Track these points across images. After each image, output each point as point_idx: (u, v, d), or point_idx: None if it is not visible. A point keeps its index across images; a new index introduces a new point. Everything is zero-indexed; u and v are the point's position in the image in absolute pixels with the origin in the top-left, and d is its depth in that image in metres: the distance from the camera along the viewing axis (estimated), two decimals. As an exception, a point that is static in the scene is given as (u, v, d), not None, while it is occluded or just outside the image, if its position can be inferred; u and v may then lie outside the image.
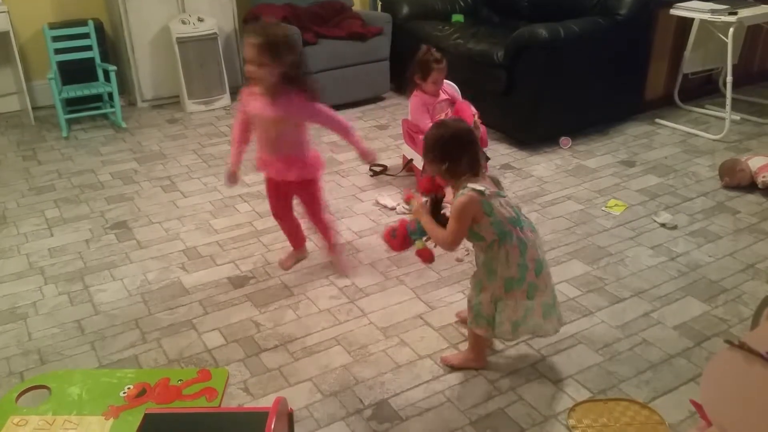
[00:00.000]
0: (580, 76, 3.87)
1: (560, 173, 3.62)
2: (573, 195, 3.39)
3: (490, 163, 3.59)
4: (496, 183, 2.08)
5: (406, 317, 2.52)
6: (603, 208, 3.25)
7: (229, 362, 2.28)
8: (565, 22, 3.74)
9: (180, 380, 1.58)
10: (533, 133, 3.94)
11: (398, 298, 2.64)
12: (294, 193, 2.67)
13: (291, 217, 2.78)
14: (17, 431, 1.39)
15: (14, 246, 2.99)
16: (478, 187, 1.95)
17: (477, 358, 2.26)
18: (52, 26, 4.25)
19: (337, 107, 4.56)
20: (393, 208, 3.29)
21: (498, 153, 3.84)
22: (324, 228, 2.76)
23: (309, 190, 2.64)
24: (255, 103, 2.41)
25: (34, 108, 4.39)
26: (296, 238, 2.85)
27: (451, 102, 3.42)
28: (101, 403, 1.52)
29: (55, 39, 4.20)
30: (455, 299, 2.61)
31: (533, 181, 3.54)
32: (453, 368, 2.26)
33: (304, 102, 2.40)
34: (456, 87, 3.50)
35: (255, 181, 3.59)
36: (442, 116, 3.39)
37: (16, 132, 4.26)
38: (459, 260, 2.87)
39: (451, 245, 2.07)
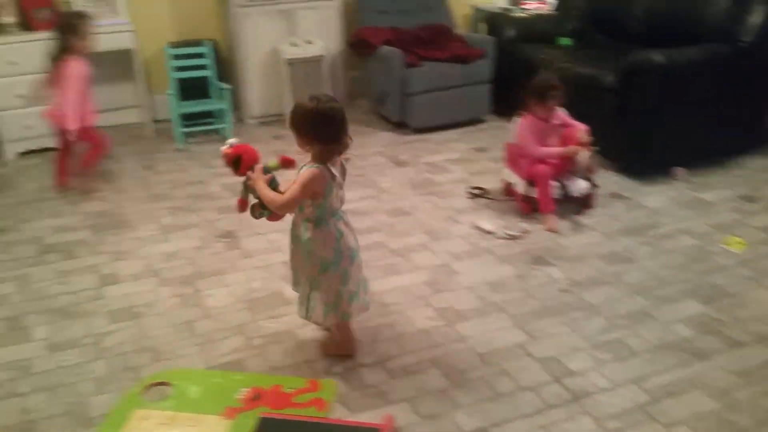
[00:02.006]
0: (697, 104, 3.69)
1: (674, 205, 3.46)
2: (688, 229, 3.22)
3: (598, 191, 3.47)
4: (343, 172, 2.21)
5: (506, 345, 2.45)
6: (721, 245, 3.07)
7: (327, 374, 2.29)
8: (681, 47, 3.59)
9: (291, 388, 1.59)
10: (645, 162, 3.78)
11: (497, 324, 2.58)
12: None
13: None
14: (141, 425, 1.44)
15: (133, 249, 3.16)
16: (333, 170, 2.09)
17: (343, 343, 2.39)
18: (173, 45, 4.51)
19: (436, 128, 4.62)
20: (492, 232, 3.24)
21: (607, 181, 3.69)
22: None
23: None
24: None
25: (153, 121, 4.66)
26: None
27: (562, 126, 3.36)
28: (218, 404, 1.56)
29: (175, 57, 4.45)
30: (559, 331, 2.52)
31: (645, 212, 3.39)
32: (327, 355, 2.37)
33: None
34: (564, 112, 3.43)
35: (353, 198, 3.63)
36: (552, 141, 3.34)
37: (137, 143, 4.52)
38: (563, 291, 2.78)
39: (284, 208, 2.14)
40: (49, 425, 2.12)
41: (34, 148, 4.29)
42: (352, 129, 4.78)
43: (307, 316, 2.29)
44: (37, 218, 3.46)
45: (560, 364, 2.34)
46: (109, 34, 4.25)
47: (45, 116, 3.64)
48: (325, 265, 2.20)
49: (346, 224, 2.25)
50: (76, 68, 3.54)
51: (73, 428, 2.10)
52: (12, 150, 4.25)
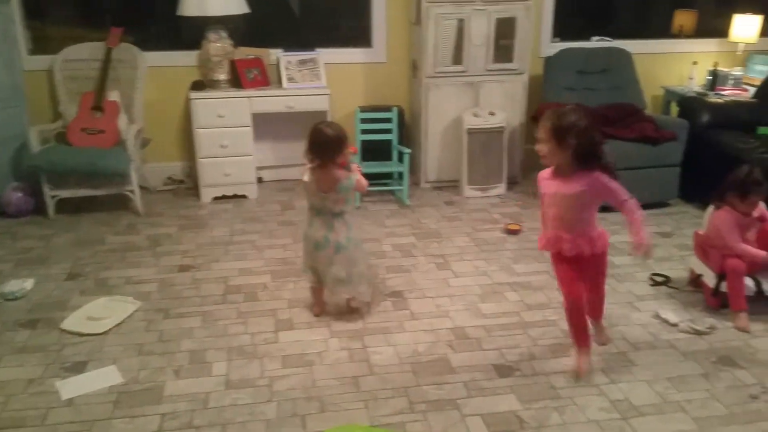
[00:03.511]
0: None
1: None
2: None
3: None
4: (331, 182, 2.87)
5: (688, 450, 2.24)
6: None
7: (491, 453, 2.21)
8: None
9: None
10: None
11: (677, 425, 2.36)
12: (586, 266, 2.64)
13: (585, 294, 2.67)
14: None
15: (308, 298, 3.23)
16: (306, 177, 2.88)
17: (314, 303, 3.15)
18: (363, 109, 4.78)
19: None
20: (675, 325, 3.00)
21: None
22: (602, 299, 2.83)
23: (600, 263, 2.70)
24: (549, 182, 2.62)
25: (333, 178, 4.93)
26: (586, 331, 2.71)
27: (760, 220, 3.09)
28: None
29: (363, 120, 4.71)
30: (749, 442, 2.26)
31: None
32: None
33: (599, 179, 2.50)
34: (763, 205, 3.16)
35: (526, 271, 3.56)
36: (749, 234, 3.08)
37: (316, 197, 4.80)
38: (754, 397, 2.51)
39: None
40: (222, 457, 2.23)
41: (228, 194, 4.70)
42: (528, 202, 4.80)
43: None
44: (224, 259, 3.75)
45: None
46: (309, 96, 4.64)
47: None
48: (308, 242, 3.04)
49: (324, 223, 2.95)
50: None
51: (242, 464, 2.20)
52: (208, 194, 4.69)
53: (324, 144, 2.84)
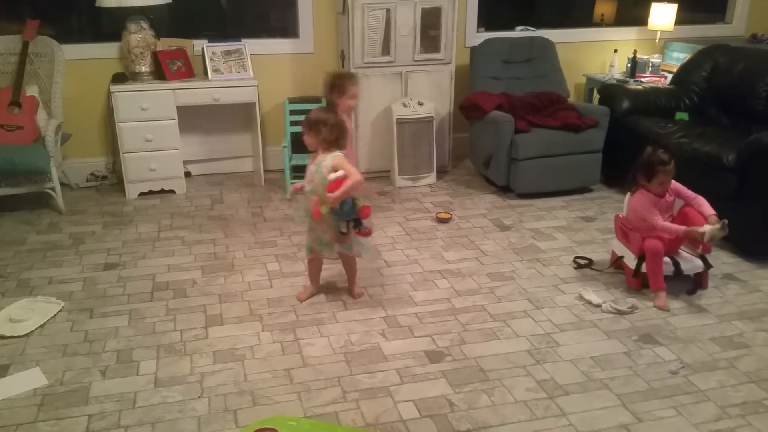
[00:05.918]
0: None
1: (797, 292, 3.22)
2: (815, 319, 2.98)
3: (711, 271, 3.29)
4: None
5: (610, 425, 2.33)
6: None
7: (423, 438, 2.25)
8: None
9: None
10: (764, 244, 3.56)
11: (601, 402, 2.46)
12: None
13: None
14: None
15: (239, 292, 3.27)
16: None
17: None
18: (292, 101, 4.74)
19: (543, 194, 4.59)
20: (599, 306, 3.12)
21: (720, 261, 3.52)
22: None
23: None
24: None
25: (265, 171, 4.88)
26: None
27: (678, 199, 3.23)
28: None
29: (293, 112, 4.66)
30: (666, 414, 2.37)
31: (761, 297, 3.18)
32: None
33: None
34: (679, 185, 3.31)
35: (456, 258, 3.63)
36: (667, 217, 3.21)
37: (248, 190, 4.74)
38: (673, 373, 2.63)
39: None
40: (151, 457, 2.19)
41: (154, 189, 4.58)
42: (457, 191, 4.86)
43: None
44: (152, 256, 3.66)
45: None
46: (236, 88, 4.56)
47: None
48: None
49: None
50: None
51: (172, 463, 2.17)
52: (134, 190, 4.55)
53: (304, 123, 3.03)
